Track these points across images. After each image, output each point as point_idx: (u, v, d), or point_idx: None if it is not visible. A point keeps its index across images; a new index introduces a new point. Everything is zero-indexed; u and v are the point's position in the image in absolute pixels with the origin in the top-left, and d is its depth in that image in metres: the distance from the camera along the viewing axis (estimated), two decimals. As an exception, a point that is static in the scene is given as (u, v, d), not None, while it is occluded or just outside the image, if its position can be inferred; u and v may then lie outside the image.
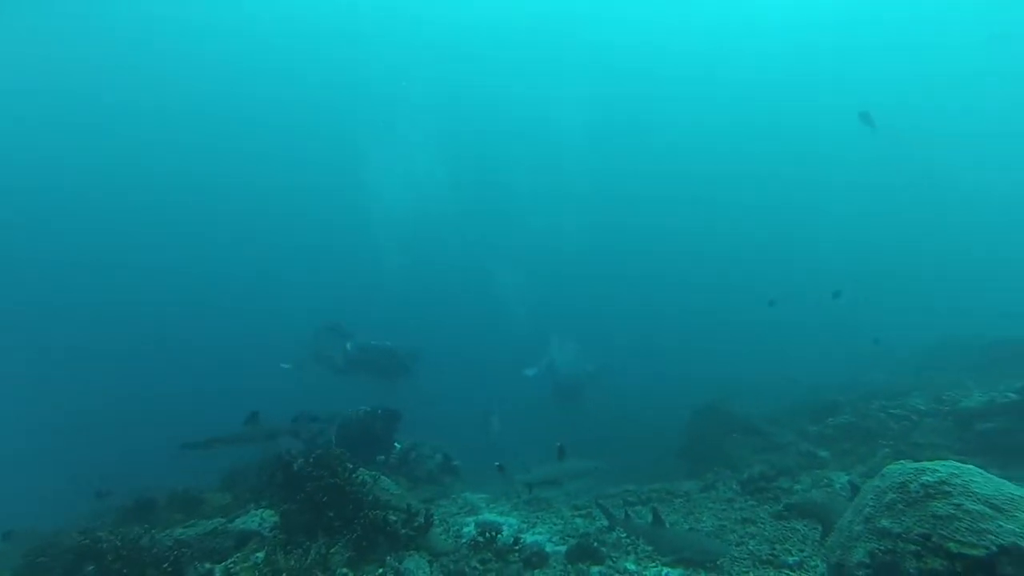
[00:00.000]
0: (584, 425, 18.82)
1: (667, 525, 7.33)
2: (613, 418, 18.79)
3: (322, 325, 18.93)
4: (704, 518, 8.08)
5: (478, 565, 5.91)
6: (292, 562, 5.77)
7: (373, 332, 18.91)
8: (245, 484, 8.81)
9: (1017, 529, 3.34)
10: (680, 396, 15.69)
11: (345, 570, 5.91)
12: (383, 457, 11.82)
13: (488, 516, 9.14)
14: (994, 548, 3.30)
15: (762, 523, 7.53)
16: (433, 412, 18.80)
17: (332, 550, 6.06)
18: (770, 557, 6.08)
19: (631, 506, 9.55)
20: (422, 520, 6.77)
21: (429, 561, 6.16)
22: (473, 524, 8.43)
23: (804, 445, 12.39)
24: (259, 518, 6.77)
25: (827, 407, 13.99)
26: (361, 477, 7.80)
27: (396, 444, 11.78)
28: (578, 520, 8.64)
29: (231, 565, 5.63)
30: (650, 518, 6.96)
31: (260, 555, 5.89)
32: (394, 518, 6.73)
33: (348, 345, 17.24)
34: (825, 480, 9.47)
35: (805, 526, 7.19)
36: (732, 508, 8.61)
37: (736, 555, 6.27)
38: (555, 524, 8.48)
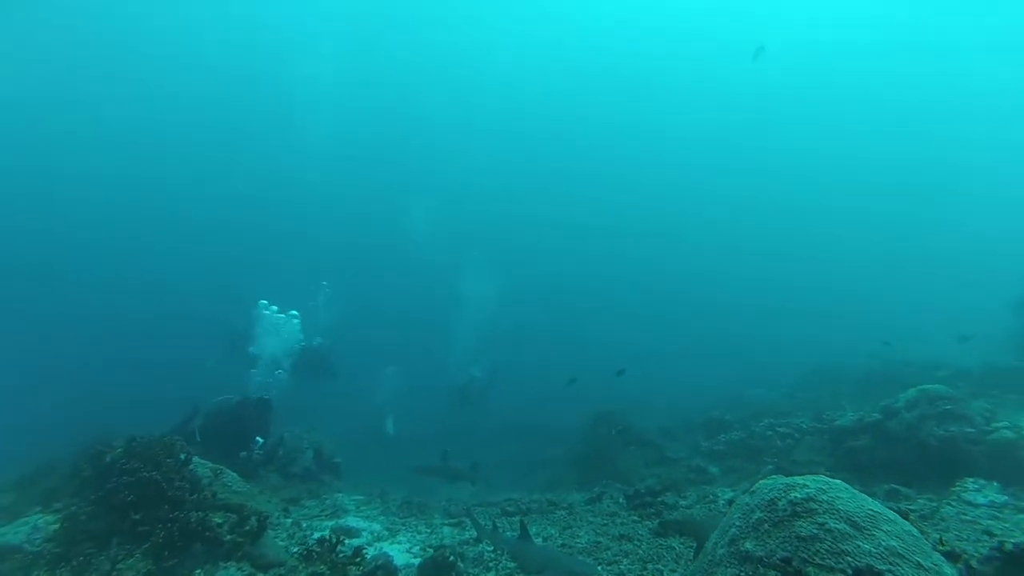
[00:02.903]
0: (482, 431, 18.21)
1: (535, 540, 6.75)
2: (512, 425, 18.29)
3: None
4: (582, 533, 7.56)
5: (305, 582, 5.00)
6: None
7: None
8: (47, 482, 7.30)
9: (873, 549, 3.01)
10: (580, 406, 15.38)
11: (138, 587, 4.81)
12: (245, 453, 10.57)
13: (351, 520, 8.20)
14: (849, 571, 2.92)
15: (640, 540, 7.10)
16: (334, 405, 17.74)
17: (122, 564, 4.95)
18: (638, 577, 5.61)
19: (510, 516, 8.94)
20: (254, 524, 5.77)
21: (251, 574, 5.17)
22: (329, 529, 7.46)
23: (696, 460, 12.37)
24: (30, 527, 5.44)
25: (719, 424, 14.18)
26: (195, 472, 6.67)
27: (258, 438, 10.55)
28: (446, 529, 7.90)
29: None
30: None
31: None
32: (220, 521, 5.69)
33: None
34: (711, 496, 9.30)
35: (682, 544, 6.83)
36: (614, 523, 8.17)
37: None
38: (420, 533, 7.68)
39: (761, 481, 3.86)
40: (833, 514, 3.28)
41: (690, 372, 25.31)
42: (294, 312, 16.12)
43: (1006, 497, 6.01)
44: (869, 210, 46.61)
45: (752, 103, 46.48)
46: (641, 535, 7.32)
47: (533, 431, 18.00)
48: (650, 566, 6.00)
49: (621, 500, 9.47)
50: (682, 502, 9.08)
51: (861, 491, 3.73)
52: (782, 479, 3.71)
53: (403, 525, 8.15)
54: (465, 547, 6.67)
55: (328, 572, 5.21)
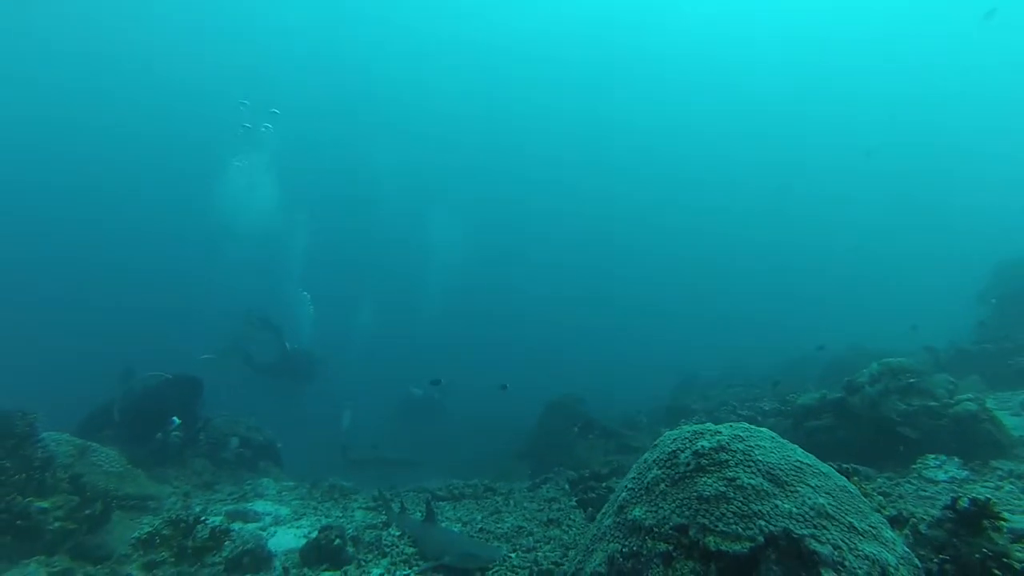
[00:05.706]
0: (440, 424, 17.42)
1: (454, 524, 5.95)
2: (473, 417, 17.52)
3: (249, 317, 16.48)
4: (508, 519, 6.74)
5: (135, 572, 4.10)
6: None
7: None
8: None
9: (794, 509, 2.21)
10: (537, 394, 14.60)
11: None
12: (161, 435, 9.63)
13: (257, 505, 7.29)
14: (760, 539, 2.12)
15: (570, 525, 6.31)
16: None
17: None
18: (553, 565, 4.80)
19: (440, 501, 8.11)
20: (99, 510, 4.85)
21: (67, 569, 4.25)
22: (224, 515, 6.56)
23: (656, 447, 11.67)
24: None
25: (682, 411, 13.51)
26: (49, 450, 5.73)
27: (175, 419, 9.61)
28: (359, 513, 7.04)
29: None
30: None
31: None
32: (47, 506, 4.75)
33: (288, 344, 16.07)
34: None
35: (616, 528, 6.04)
36: (549, 508, 7.37)
37: (516, 563, 4.94)
38: (328, 517, 6.82)
39: (667, 432, 3.07)
40: (748, 467, 2.48)
41: (657, 362, 24.72)
42: None
43: (967, 472, 5.33)
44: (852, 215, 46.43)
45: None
46: (574, 520, 6.52)
47: (494, 427, 17.16)
48: (571, 552, 5.18)
49: (565, 486, 8.69)
50: (630, 487, 8.33)
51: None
52: (689, 427, 2.92)
53: (314, 510, 7.28)
54: (367, 531, 5.80)
55: (172, 559, 4.31)
